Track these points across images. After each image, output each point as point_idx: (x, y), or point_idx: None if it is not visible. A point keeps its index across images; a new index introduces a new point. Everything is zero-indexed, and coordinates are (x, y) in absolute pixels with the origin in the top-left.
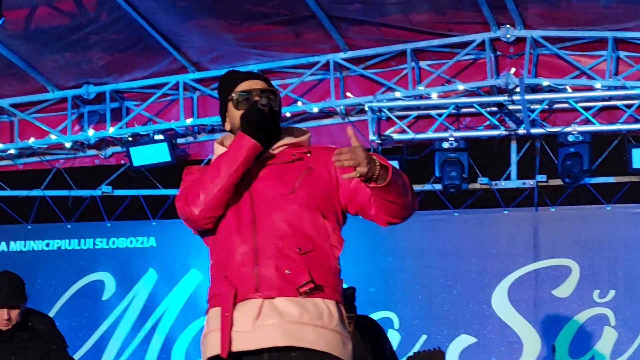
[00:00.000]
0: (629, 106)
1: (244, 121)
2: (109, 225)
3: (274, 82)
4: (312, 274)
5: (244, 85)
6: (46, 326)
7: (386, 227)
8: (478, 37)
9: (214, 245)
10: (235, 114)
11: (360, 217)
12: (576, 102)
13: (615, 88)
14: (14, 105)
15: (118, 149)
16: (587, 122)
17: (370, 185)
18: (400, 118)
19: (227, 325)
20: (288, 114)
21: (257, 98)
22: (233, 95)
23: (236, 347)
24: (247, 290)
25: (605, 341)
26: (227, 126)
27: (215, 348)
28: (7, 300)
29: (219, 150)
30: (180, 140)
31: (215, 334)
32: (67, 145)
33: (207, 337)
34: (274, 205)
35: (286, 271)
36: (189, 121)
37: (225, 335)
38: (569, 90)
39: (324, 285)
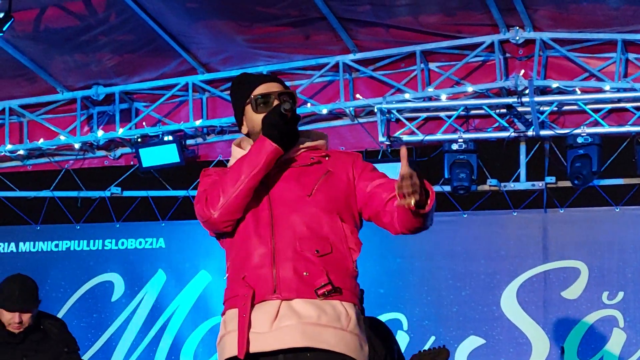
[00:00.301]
0: (638, 108)
1: (266, 125)
2: (118, 226)
3: None
4: (330, 276)
5: (262, 89)
6: (58, 329)
7: None
8: (487, 39)
9: (232, 247)
10: (254, 118)
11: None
12: (585, 104)
13: (625, 90)
14: (23, 106)
15: (127, 150)
16: (596, 124)
17: (412, 209)
18: (410, 120)
19: (244, 327)
20: None
21: (276, 101)
22: (252, 98)
23: (254, 348)
24: (265, 291)
25: (614, 343)
26: (244, 129)
27: (232, 349)
28: (19, 304)
29: (237, 153)
30: (189, 142)
31: (233, 336)
32: (76, 146)
33: (224, 338)
34: (293, 208)
35: (304, 273)
36: (198, 122)
37: (243, 337)
38: (578, 92)
39: (342, 288)
